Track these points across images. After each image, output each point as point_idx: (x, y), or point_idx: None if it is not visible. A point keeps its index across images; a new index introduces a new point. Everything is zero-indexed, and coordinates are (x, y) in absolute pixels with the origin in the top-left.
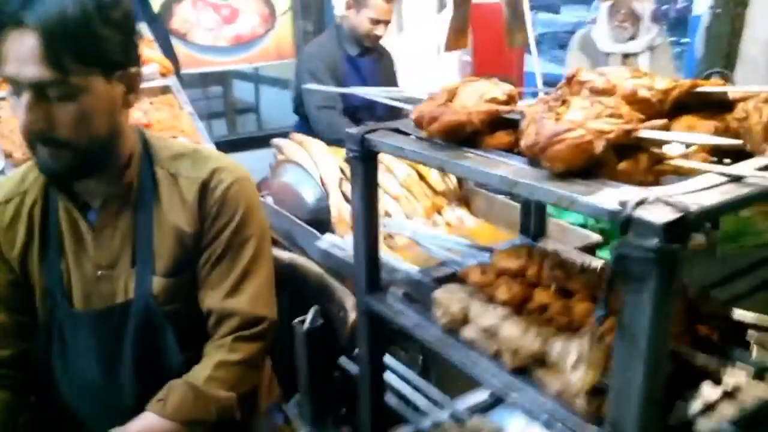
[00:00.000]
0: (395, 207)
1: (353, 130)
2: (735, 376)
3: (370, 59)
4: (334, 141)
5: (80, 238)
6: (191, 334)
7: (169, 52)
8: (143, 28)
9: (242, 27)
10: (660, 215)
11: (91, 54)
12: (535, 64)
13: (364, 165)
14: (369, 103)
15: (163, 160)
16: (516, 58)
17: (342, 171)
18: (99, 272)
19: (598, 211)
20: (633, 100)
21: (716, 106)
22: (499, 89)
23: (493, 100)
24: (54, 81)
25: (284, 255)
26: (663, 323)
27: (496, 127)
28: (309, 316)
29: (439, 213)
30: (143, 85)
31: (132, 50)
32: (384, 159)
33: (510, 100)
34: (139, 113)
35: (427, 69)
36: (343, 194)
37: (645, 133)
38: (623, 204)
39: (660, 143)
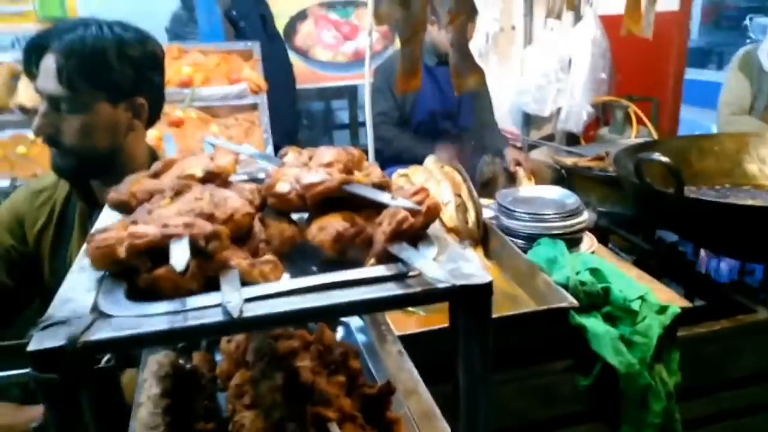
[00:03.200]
0: None
1: None
2: None
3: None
4: (390, 156)
5: (86, 232)
6: None
7: (284, 68)
8: (255, 47)
9: (362, 43)
10: (53, 340)
11: (99, 80)
12: None
13: None
14: (448, 110)
15: None
16: (671, 74)
17: None
18: None
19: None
20: (272, 193)
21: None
22: (203, 166)
23: (188, 177)
24: (63, 96)
25: None
26: None
27: None
28: None
29: None
30: (234, 102)
31: (143, 84)
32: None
33: (213, 177)
34: (215, 127)
35: (551, 86)
36: None
37: (175, 244)
38: (42, 323)
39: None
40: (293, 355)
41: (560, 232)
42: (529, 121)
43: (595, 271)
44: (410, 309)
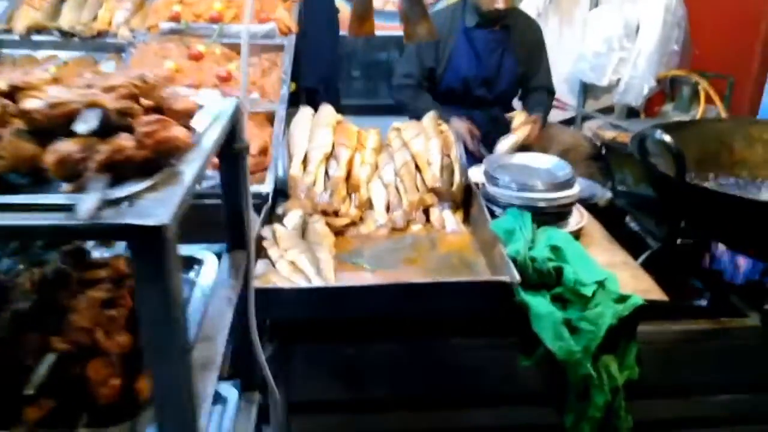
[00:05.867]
0: (381, 194)
1: None
2: None
3: (490, 32)
4: (414, 117)
5: None
6: None
7: (328, 13)
8: None
9: None
10: None
11: None
12: None
13: None
14: (484, 76)
15: None
16: (758, 50)
17: (333, 146)
18: None
19: None
20: (19, 109)
21: None
22: (9, 80)
23: None
24: None
25: None
26: None
27: None
28: None
29: (426, 211)
30: (261, 42)
31: None
32: (393, 142)
33: (16, 90)
34: (232, 65)
35: (613, 54)
36: (326, 171)
37: None
38: None
39: None
40: (90, 284)
41: (543, 204)
42: (586, 90)
43: (556, 249)
44: (358, 262)
